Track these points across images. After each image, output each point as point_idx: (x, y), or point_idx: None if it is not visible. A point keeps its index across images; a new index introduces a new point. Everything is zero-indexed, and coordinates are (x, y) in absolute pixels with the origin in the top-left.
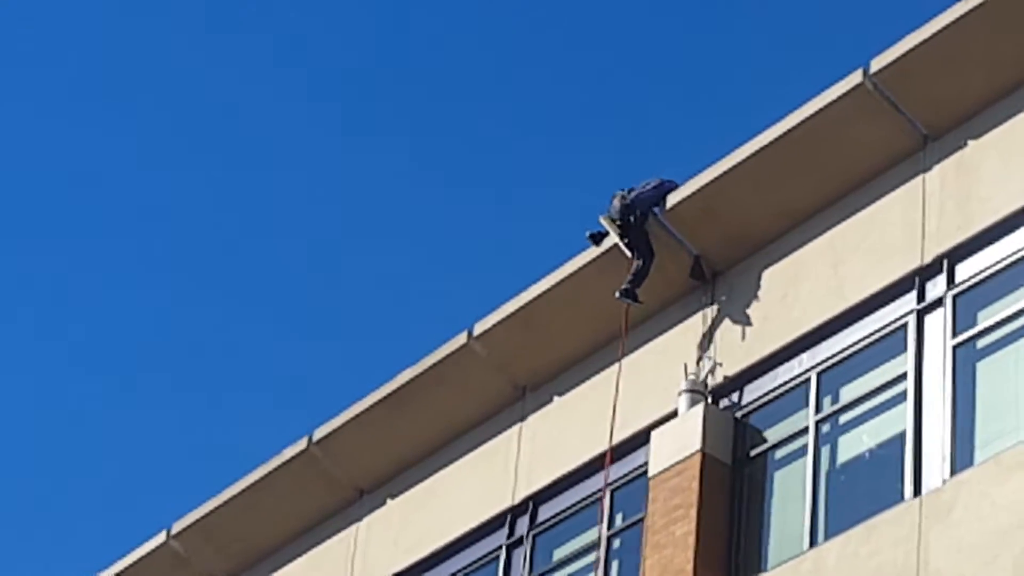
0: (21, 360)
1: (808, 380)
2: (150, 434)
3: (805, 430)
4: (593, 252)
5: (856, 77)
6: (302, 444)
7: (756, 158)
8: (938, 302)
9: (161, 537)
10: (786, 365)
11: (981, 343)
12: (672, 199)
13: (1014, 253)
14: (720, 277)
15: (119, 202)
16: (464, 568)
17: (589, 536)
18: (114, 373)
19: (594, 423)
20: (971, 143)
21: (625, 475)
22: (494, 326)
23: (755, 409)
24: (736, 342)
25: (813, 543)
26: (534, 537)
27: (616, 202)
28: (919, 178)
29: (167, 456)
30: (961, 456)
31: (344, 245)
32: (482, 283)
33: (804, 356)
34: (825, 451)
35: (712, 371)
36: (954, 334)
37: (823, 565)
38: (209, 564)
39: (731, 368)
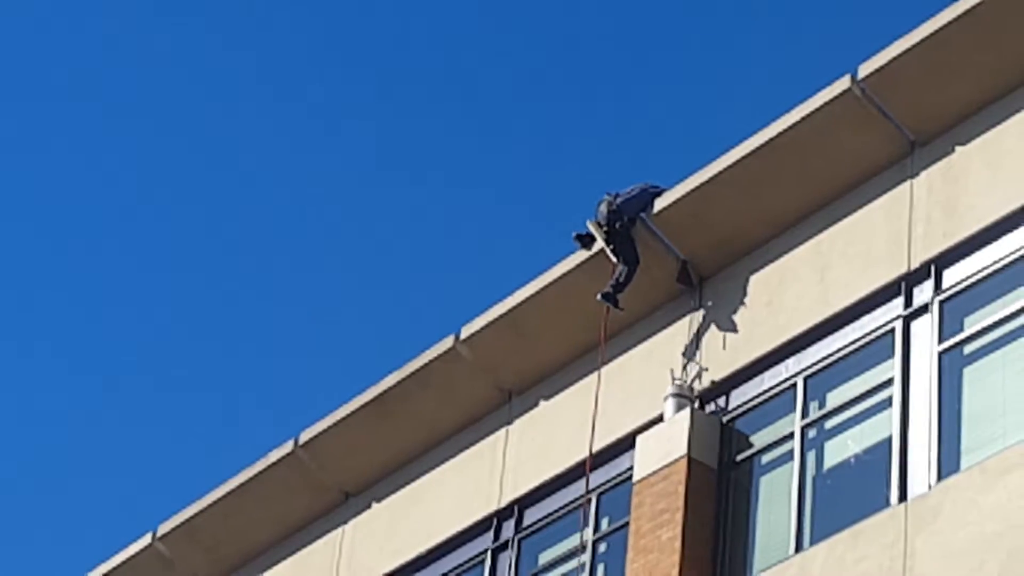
0: (5, 361)
1: (794, 385)
2: (136, 436)
3: (791, 435)
4: (579, 257)
5: (844, 83)
6: (288, 447)
7: (743, 163)
8: (924, 308)
9: (147, 539)
10: (772, 370)
11: (967, 349)
12: (659, 204)
13: (1001, 259)
14: (707, 282)
15: (106, 203)
16: (450, 571)
17: (574, 540)
18: (99, 375)
19: (580, 427)
20: (958, 149)
21: (611, 479)
22: (481, 330)
23: (741, 414)
24: (723, 347)
25: (799, 548)
26: (519, 541)
27: (603, 207)
28: (906, 184)
29: (153, 458)
30: (947, 462)
31: (331, 248)
32: (469, 287)
33: (790, 361)
34: (811, 456)
35: (698, 376)
36: (940, 340)
37: (809, 570)
38: (194, 566)
39: (717, 373)
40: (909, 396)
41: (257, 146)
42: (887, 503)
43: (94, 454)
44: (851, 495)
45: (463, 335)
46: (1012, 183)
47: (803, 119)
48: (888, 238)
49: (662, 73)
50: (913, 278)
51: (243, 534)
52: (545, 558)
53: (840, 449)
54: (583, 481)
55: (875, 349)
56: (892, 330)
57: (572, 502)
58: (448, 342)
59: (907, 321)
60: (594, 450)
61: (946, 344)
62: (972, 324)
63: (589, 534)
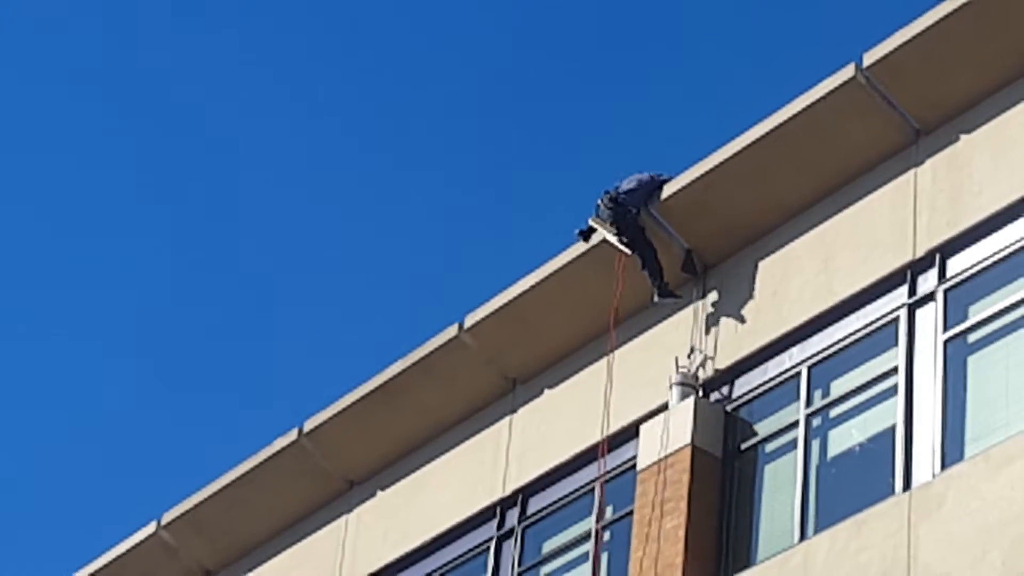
0: (9, 352)
1: (799, 374)
2: (141, 425)
3: (795, 424)
4: (583, 247)
5: (848, 71)
6: (292, 435)
7: (748, 152)
8: (929, 296)
9: (151, 527)
10: (777, 359)
11: (972, 338)
12: (664, 193)
13: (1006, 248)
14: (711, 271)
15: (111, 195)
16: (454, 560)
17: (579, 529)
18: (104, 364)
19: (584, 416)
20: (963, 138)
21: (615, 468)
22: (485, 319)
23: (746, 403)
24: (727, 336)
25: (803, 537)
26: (524, 529)
27: (606, 201)
28: (911, 173)
29: (157, 447)
30: (951, 451)
31: (335, 238)
32: (473, 276)
33: (795, 350)
34: (815, 445)
35: (703, 364)
36: (945, 328)
37: (813, 559)
38: (199, 555)
39: (722, 362)
40: (913, 385)
41: (263, 136)
42: (891, 492)
43: (99, 443)
44: (855, 484)
45: (467, 324)
46: (1017, 172)
47: (808, 107)
48: (893, 227)
49: (667, 61)
50: (918, 267)
51: (247, 522)
52: (549, 547)
53: (844, 438)
54: (587, 470)
55: (879, 338)
56: (896, 319)
57: (576, 490)
58: (452, 331)
59: (911, 310)
60: (601, 436)
61: (950, 333)
62: (977, 313)
63: (593, 522)
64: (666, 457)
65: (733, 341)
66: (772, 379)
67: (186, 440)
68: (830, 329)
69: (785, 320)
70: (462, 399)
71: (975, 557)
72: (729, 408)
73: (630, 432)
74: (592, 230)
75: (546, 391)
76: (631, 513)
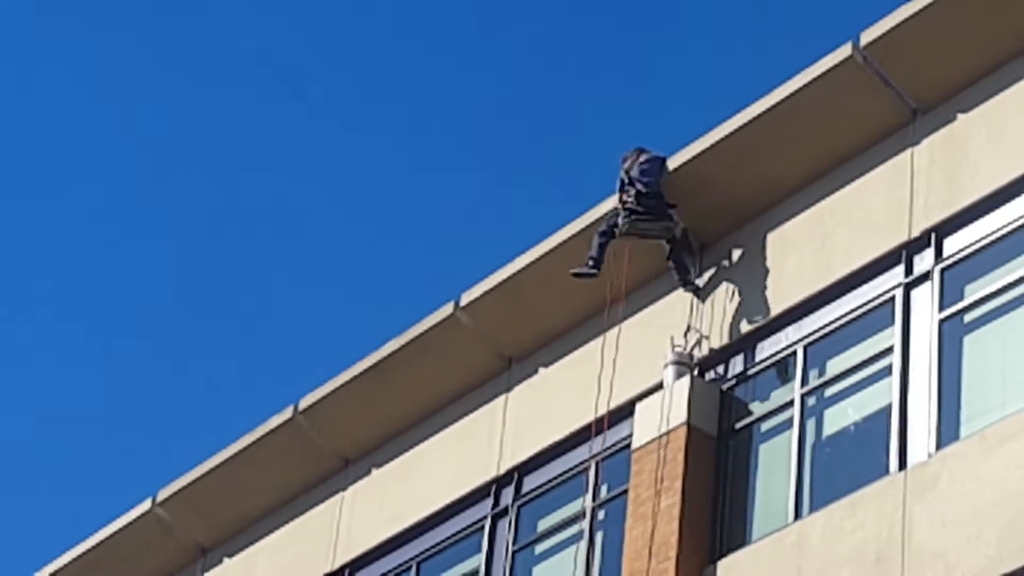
0: (4, 329)
1: (794, 353)
2: (136, 402)
3: (791, 403)
4: (579, 224)
5: (845, 50)
6: (287, 413)
7: (745, 131)
8: (925, 276)
9: (146, 505)
10: (772, 338)
11: (968, 317)
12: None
13: (1002, 227)
14: (707, 249)
15: (109, 172)
16: (449, 538)
17: (574, 507)
18: (99, 341)
19: (579, 395)
20: (960, 117)
21: (610, 447)
22: (481, 297)
23: (741, 382)
24: (723, 315)
25: (798, 516)
26: (519, 508)
27: (630, 204)
28: (907, 152)
29: (153, 424)
30: (947, 430)
31: (331, 217)
32: (469, 254)
33: (790, 329)
34: (811, 424)
35: (698, 343)
36: (941, 308)
37: (807, 538)
38: (194, 532)
39: (717, 341)
40: (909, 364)
41: (261, 117)
42: (886, 471)
43: (95, 420)
44: (850, 463)
45: (463, 302)
46: (1014, 151)
47: (805, 86)
48: (889, 206)
49: (665, 40)
50: (914, 246)
51: (243, 500)
52: (544, 525)
53: (840, 417)
54: (581, 448)
55: (875, 317)
56: (892, 298)
57: (571, 469)
58: (448, 309)
59: (908, 289)
60: (596, 414)
61: (946, 312)
62: (973, 292)
63: (588, 501)
64: (661, 436)
65: (729, 320)
66: (768, 358)
67: (182, 418)
68: (826, 308)
69: (781, 299)
70: (458, 377)
71: (970, 536)
72: (724, 387)
73: (625, 411)
74: (593, 267)
75: (541, 370)
76: (626, 492)
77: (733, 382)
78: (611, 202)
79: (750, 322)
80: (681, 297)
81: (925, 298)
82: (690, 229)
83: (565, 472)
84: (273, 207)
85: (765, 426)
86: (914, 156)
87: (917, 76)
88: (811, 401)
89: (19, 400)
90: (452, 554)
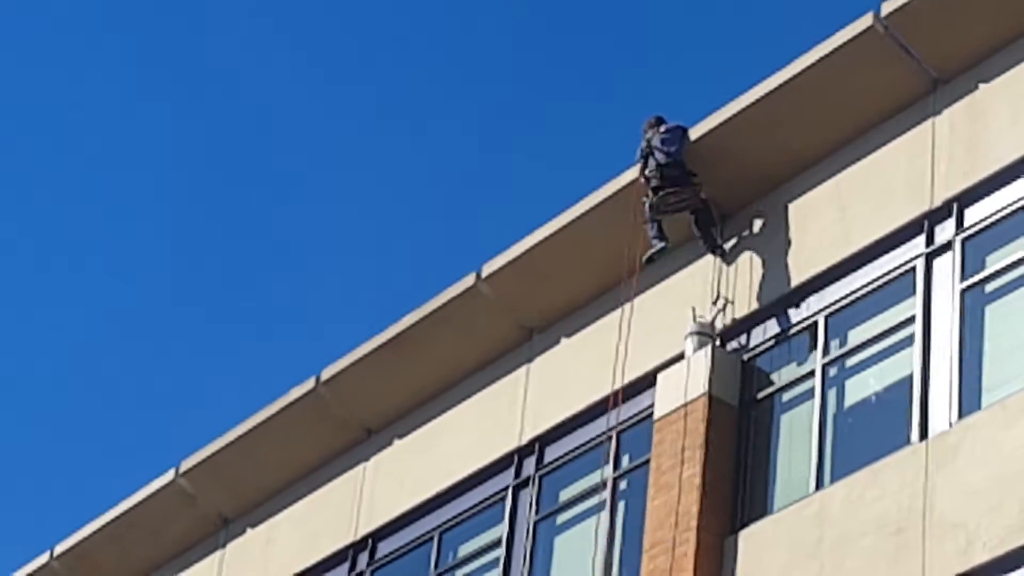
0: (29, 294)
1: (816, 323)
2: (160, 373)
3: (812, 373)
4: (601, 195)
5: (866, 20)
6: (310, 384)
7: (766, 101)
8: (947, 246)
9: (169, 475)
10: (794, 308)
11: (989, 287)
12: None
13: (1023, 197)
14: (728, 220)
15: (136, 138)
16: (470, 508)
17: (595, 477)
18: (122, 312)
19: (601, 365)
20: (981, 87)
21: (632, 417)
22: (502, 268)
23: (762, 352)
24: (744, 285)
25: (819, 486)
26: (541, 478)
27: (654, 179)
28: (928, 122)
29: (176, 395)
30: (968, 400)
31: (352, 187)
32: (490, 225)
33: (812, 299)
34: (832, 394)
35: (720, 314)
36: (963, 278)
37: (828, 508)
38: (217, 503)
39: (739, 311)
40: (931, 334)
41: (284, 83)
42: (907, 441)
43: (118, 391)
44: (871, 433)
45: (484, 273)
46: None
47: (825, 57)
48: (910, 176)
49: (685, 9)
50: (935, 216)
51: (265, 471)
52: (566, 495)
53: (861, 387)
54: (603, 419)
55: (897, 287)
56: (914, 268)
57: (593, 439)
58: (469, 280)
59: (929, 259)
60: (618, 385)
61: (968, 282)
62: (994, 262)
63: (610, 471)
64: (683, 406)
65: (750, 290)
66: (789, 328)
67: (204, 388)
68: (847, 278)
69: (802, 269)
70: (479, 348)
71: (991, 506)
72: (746, 357)
73: (647, 381)
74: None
75: (563, 340)
76: (647, 462)
77: (754, 352)
78: (632, 173)
79: (771, 292)
80: (702, 267)
81: (946, 268)
82: (711, 200)
83: (587, 442)
84: (298, 179)
85: (786, 396)
86: (935, 126)
87: (938, 46)
88: (832, 371)
89: (41, 369)
90: (474, 524)
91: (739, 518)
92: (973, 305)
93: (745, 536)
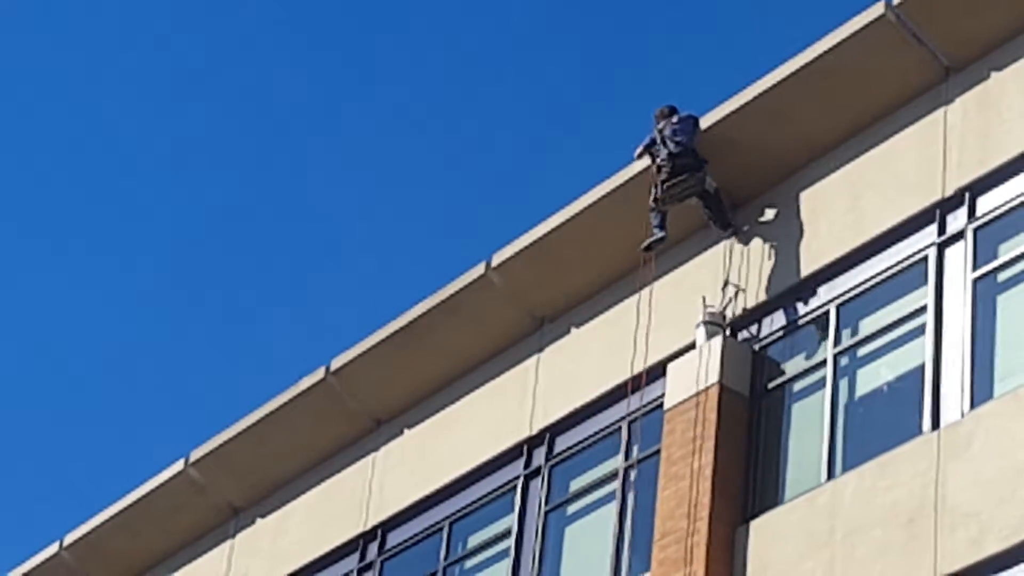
0: (39, 282)
1: (827, 313)
2: (169, 363)
3: (823, 363)
4: (611, 184)
5: (878, 8)
6: (319, 374)
7: (778, 90)
8: (959, 235)
9: (179, 465)
10: (805, 297)
11: (1002, 276)
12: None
13: None
14: (739, 209)
15: (146, 122)
16: (481, 498)
17: (606, 467)
18: (131, 302)
19: (611, 355)
20: (993, 76)
21: (643, 407)
22: (512, 257)
23: (774, 341)
24: (755, 274)
25: (831, 476)
26: (551, 468)
27: (664, 168)
28: (941, 111)
29: (186, 385)
30: (980, 390)
31: (362, 177)
32: (500, 214)
33: (823, 289)
34: (843, 384)
35: (731, 303)
36: (975, 267)
37: (840, 498)
38: (226, 492)
39: (750, 300)
40: (942, 323)
41: (292, 74)
42: (919, 431)
43: (128, 380)
44: (883, 423)
45: (494, 262)
46: None
47: (837, 45)
48: (922, 165)
49: None
50: (947, 205)
51: (275, 461)
52: (576, 485)
53: (873, 377)
54: (613, 408)
55: (908, 276)
56: (925, 257)
57: (603, 429)
58: (479, 269)
59: (941, 248)
60: (629, 374)
61: (980, 271)
62: (1006, 251)
63: (621, 461)
64: (694, 396)
65: (761, 279)
66: (800, 318)
67: (214, 378)
68: (859, 268)
69: (814, 259)
70: (489, 338)
71: (1003, 496)
72: (757, 347)
73: (657, 371)
74: (661, 239)
75: (573, 330)
76: (658, 452)
77: (766, 342)
78: (643, 163)
79: (783, 282)
80: (713, 256)
81: (958, 257)
82: (722, 189)
83: (597, 432)
84: (307, 167)
85: (798, 386)
86: (947, 115)
87: (950, 34)
88: (844, 361)
89: (51, 359)
90: (484, 514)
91: (750, 508)
92: (985, 294)
93: (756, 526)
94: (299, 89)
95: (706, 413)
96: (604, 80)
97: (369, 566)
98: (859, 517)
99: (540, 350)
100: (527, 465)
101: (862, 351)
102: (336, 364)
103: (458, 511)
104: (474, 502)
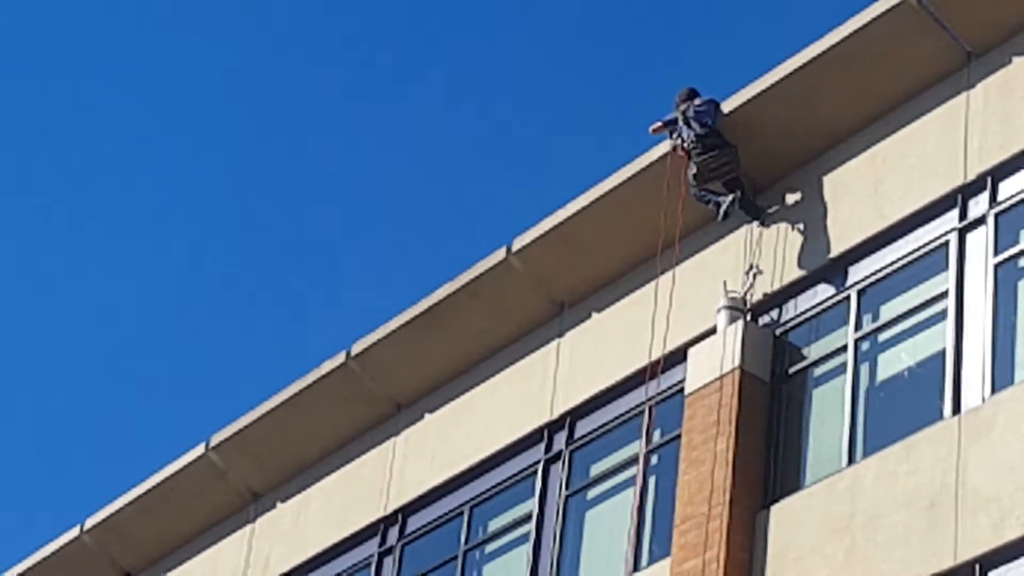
0: (64, 266)
1: (848, 298)
2: (190, 347)
3: (844, 348)
4: (632, 169)
5: None
6: (340, 358)
7: (799, 74)
8: (980, 220)
9: (200, 449)
10: (826, 283)
11: (1023, 262)
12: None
13: None
14: (761, 194)
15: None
16: (501, 483)
17: (626, 452)
18: (154, 287)
19: (632, 339)
20: (1015, 60)
21: (663, 391)
22: (533, 242)
23: (795, 326)
24: (776, 259)
25: (851, 461)
26: (571, 452)
27: (686, 134)
28: (962, 96)
29: (207, 370)
30: (1001, 375)
31: (383, 161)
32: (521, 199)
33: (844, 274)
34: (864, 369)
35: (752, 288)
36: (996, 252)
37: (861, 483)
38: (247, 477)
39: (771, 285)
40: (964, 309)
41: (322, 55)
42: (940, 416)
43: (149, 366)
44: (904, 408)
45: (515, 247)
46: None
47: (859, 29)
48: (944, 150)
49: None
50: (969, 190)
51: (295, 445)
52: (597, 470)
53: (894, 362)
54: (634, 393)
55: (930, 261)
56: (947, 242)
57: (624, 414)
58: (500, 254)
59: (962, 233)
60: (650, 359)
61: (1002, 256)
62: None
63: (641, 446)
64: (714, 381)
65: (783, 264)
66: (821, 303)
67: (235, 363)
68: (880, 253)
69: (835, 244)
70: (510, 322)
71: None
72: (778, 332)
73: (678, 356)
74: (728, 213)
75: (594, 314)
76: (679, 437)
77: (787, 327)
78: (664, 146)
79: (804, 266)
80: (734, 241)
81: (980, 242)
82: (744, 173)
83: (618, 417)
84: (330, 153)
85: (819, 371)
86: (969, 100)
87: (972, 19)
88: (865, 346)
89: (72, 345)
90: (505, 499)
91: (771, 493)
92: (1006, 279)
93: (777, 511)
94: (320, 77)
95: (727, 398)
96: (625, 64)
97: (389, 550)
98: (880, 502)
99: (561, 335)
100: (548, 450)
101: (883, 336)
102: (357, 348)
103: (478, 495)
104: (494, 487)
